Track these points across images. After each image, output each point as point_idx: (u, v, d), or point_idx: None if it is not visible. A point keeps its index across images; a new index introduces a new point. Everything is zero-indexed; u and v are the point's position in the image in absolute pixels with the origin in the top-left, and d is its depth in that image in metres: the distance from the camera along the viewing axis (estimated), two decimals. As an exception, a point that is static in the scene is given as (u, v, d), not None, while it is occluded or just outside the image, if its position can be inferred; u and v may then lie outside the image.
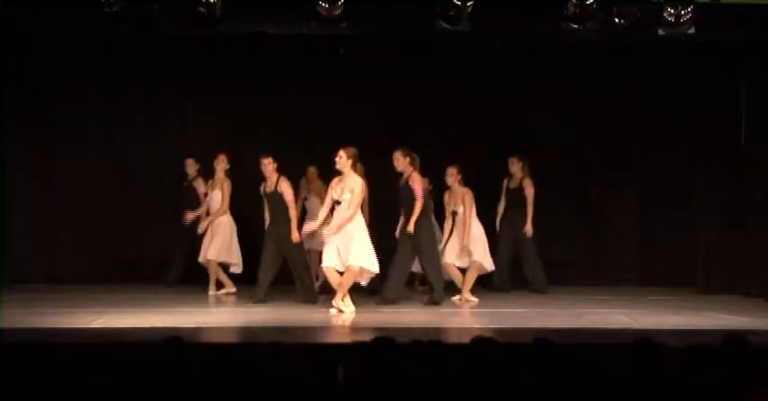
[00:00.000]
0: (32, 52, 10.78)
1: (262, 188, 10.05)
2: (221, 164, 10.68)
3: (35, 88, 11.44)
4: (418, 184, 9.79)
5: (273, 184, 9.93)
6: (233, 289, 10.70)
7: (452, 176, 10.39)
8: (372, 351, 4.87)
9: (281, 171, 9.97)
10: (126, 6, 8.96)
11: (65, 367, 4.77)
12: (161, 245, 11.59)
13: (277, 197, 9.90)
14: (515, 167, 11.17)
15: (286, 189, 9.87)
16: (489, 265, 10.47)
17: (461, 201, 10.32)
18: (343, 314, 9.09)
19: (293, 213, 9.87)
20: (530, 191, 11.06)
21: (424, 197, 9.86)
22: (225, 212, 10.63)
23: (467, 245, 10.23)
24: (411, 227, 9.72)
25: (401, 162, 9.87)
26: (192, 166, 11.20)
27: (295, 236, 9.76)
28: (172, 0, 9.25)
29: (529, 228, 11.02)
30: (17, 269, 11.17)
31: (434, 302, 9.86)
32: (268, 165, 9.94)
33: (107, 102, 11.88)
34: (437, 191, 10.78)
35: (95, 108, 11.89)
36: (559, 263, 11.60)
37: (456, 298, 10.30)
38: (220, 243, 10.61)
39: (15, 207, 11.33)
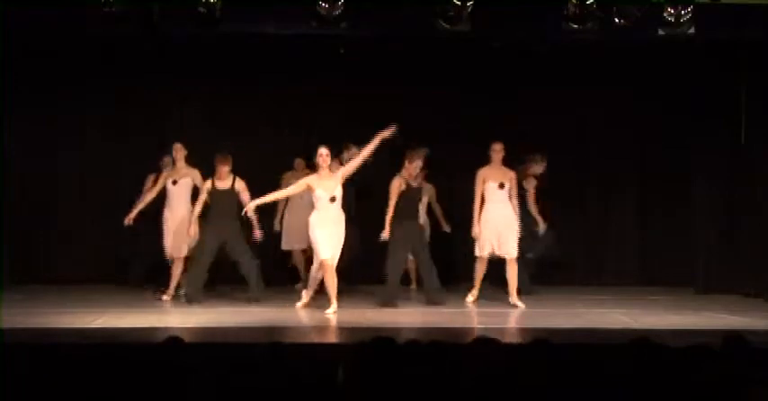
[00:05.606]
0: (32, 52, 10.78)
1: (210, 182, 9.95)
2: (180, 154, 10.34)
3: (35, 88, 11.44)
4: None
5: (230, 183, 9.89)
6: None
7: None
8: (372, 351, 4.87)
9: (236, 172, 9.95)
10: (126, 6, 8.97)
11: (65, 367, 4.76)
12: (160, 245, 11.55)
13: (230, 195, 9.84)
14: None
15: (243, 189, 9.85)
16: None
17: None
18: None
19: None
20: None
21: (402, 197, 9.81)
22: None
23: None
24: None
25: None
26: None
27: (257, 233, 9.74)
28: (172, 0, 9.26)
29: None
30: (17, 269, 11.16)
31: (435, 302, 9.87)
32: (224, 167, 9.87)
33: (107, 102, 11.87)
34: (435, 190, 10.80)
35: (95, 108, 11.88)
36: (559, 263, 11.59)
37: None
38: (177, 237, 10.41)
39: (16, 206, 11.32)
